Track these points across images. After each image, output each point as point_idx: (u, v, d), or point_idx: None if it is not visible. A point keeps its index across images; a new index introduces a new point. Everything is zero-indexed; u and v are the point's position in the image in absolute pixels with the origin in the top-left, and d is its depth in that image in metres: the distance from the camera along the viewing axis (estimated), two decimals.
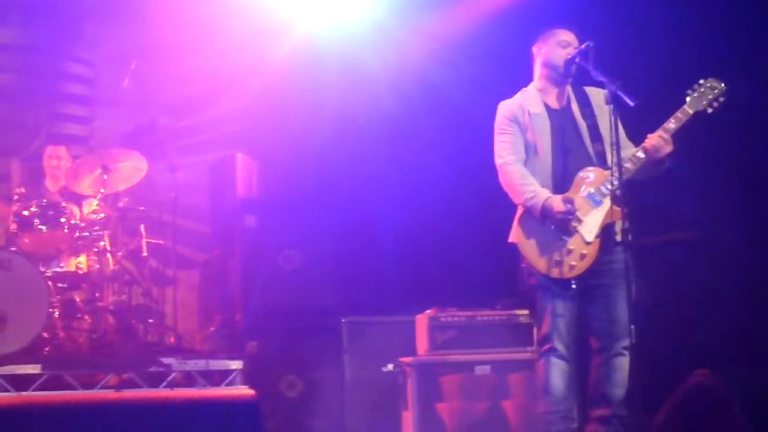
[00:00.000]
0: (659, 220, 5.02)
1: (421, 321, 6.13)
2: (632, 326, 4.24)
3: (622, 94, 4.33)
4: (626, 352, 4.51)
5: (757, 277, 6.56)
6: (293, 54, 7.51)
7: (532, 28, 5.03)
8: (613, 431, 4.56)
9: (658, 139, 4.53)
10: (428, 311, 6.11)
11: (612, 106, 4.37)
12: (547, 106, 4.78)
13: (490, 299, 6.37)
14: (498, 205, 5.02)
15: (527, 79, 5.00)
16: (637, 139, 4.72)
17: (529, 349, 5.82)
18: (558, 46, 4.77)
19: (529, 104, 4.78)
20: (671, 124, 4.57)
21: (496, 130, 4.83)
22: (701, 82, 4.63)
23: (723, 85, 4.60)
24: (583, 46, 4.63)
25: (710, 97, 4.59)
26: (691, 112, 4.58)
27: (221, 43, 7.52)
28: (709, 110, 4.59)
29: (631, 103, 4.30)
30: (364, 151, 7.43)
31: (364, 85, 7.37)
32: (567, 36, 4.80)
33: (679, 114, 4.59)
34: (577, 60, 4.66)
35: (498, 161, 4.77)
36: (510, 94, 4.97)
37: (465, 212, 7.22)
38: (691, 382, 4.95)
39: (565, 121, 4.74)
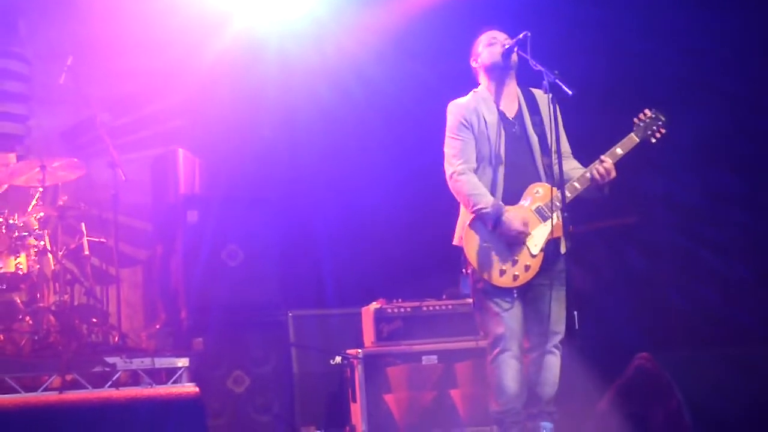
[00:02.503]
0: (594, 207, 5.09)
1: (367, 313, 6.15)
2: (575, 312, 4.34)
3: (560, 83, 4.37)
4: (556, 351, 4.60)
5: (689, 260, 6.73)
6: (232, 49, 7.46)
7: (470, 24, 5.05)
8: (543, 422, 4.62)
9: (610, 165, 4.60)
10: (374, 303, 6.14)
11: (550, 95, 4.42)
12: (501, 113, 4.76)
13: (435, 290, 6.41)
14: (438, 198, 5.05)
15: (465, 74, 4.98)
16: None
17: (475, 338, 5.86)
18: (488, 47, 4.81)
19: (483, 109, 4.75)
20: (618, 151, 4.67)
21: (448, 134, 4.79)
22: (646, 111, 4.75)
23: (664, 117, 4.73)
24: (521, 36, 4.65)
25: (654, 127, 4.72)
26: (637, 140, 4.70)
27: (159, 38, 7.42)
28: (653, 140, 4.73)
29: (570, 92, 4.34)
30: (305, 146, 7.42)
31: (303, 80, 7.35)
32: (492, 34, 4.85)
33: (626, 141, 4.70)
34: (515, 49, 4.70)
35: (448, 170, 4.74)
36: (449, 90, 4.94)
37: (406, 205, 7.25)
38: (633, 366, 5.04)
39: (517, 132, 4.74)
